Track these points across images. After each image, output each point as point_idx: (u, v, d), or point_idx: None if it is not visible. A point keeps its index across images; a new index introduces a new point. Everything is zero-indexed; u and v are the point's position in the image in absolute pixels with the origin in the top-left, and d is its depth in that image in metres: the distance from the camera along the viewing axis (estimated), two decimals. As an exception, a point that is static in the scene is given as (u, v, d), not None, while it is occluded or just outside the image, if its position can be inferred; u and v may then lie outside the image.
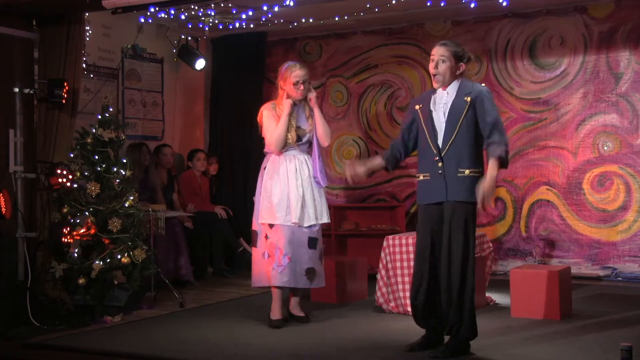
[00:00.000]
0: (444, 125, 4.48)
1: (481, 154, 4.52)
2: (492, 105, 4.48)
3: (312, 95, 5.50)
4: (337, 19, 7.65)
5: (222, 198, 8.13)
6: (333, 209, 7.86)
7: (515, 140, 7.72)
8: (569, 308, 5.59)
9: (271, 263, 5.35)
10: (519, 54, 7.73)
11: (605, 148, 7.35)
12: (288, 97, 5.46)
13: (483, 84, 4.78)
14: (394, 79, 8.31)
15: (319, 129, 5.49)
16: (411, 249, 5.69)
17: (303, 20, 7.70)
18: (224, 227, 7.66)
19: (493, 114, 4.44)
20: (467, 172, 4.42)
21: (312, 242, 5.42)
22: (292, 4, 6.69)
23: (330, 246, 7.84)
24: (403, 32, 8.23)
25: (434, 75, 4.55)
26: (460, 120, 4.43)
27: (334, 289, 6.24)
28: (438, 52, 4.57)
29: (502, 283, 6.47)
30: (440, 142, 4.48)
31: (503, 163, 4.38)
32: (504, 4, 6.97)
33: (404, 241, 5.75)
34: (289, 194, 5.37)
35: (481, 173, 4.46)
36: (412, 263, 5.66)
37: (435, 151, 4.48)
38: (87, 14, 6.43)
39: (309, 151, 5.55)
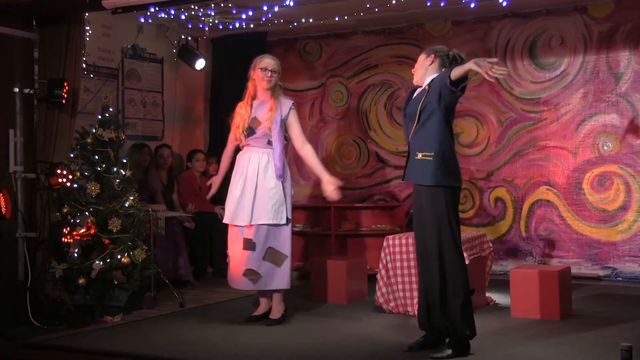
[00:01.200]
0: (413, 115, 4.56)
1: (440, 139, 4.43)
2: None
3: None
4: (337, 19, 7.65)
5: (222, 198, 8.11)
6: (333, 209, 7.88)
7: (515, 140, 7.73)
8: (569, 308, 5.59)
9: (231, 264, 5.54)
10: (519, 54, 7.73)
11: (605, 148, 7.35)
12: (255, 87, 5.49)
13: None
14: (394, 79, 8.31)
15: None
16: (411, 249, 5.70)
17: (303, 20, 7.70)
18: (224, 227, 7.65)
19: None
20: (420, 155, 4.45)
21: (247, 244, 5.38)
22: (292, 4, 6.69)
23: (330, 246, 7.85)
24: (403, 32, 8.24)
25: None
26: (419, 107, 4.50)
27: (334, 289, 6.24)
28: (420, 58, 4.81)
29: (502, 283, 6.47)
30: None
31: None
32: (504, 4, 6.97)
33: (404, 241, 5.76)
34: (242, 194, 5.41)
35: (434, 157, 4.38)
36: (412, 263, 5.69)
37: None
38: (87, 14, 6.43)
39: (270, 147, 5.44)
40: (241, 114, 5.51)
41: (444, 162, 4.39)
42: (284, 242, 5.43)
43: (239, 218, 5.40)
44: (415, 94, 4.70)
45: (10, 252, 5.67)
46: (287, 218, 5.41)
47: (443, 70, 4.59)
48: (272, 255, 5.41)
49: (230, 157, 5.71)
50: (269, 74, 5.44)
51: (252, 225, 5.37)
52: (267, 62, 5.47)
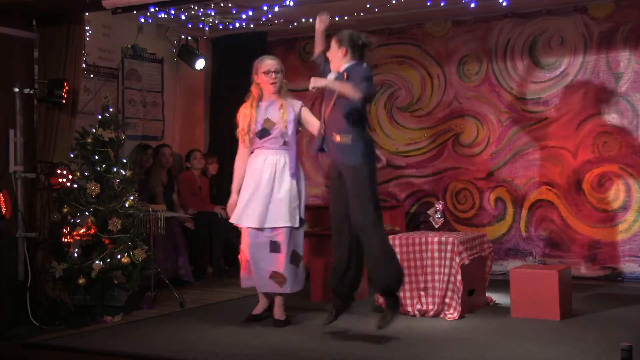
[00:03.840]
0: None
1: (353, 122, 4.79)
2: (361, 70, 4.78)
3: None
4: (337, 19, 7.65)
5: (222, 198, 8.11)
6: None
7: (515, 140, 7.73)
8: (569, 308, 5.59)
9: (244, 265, 5.47)
10: (519, 54, 7.73)
11: (605, 148, 7.35)
12: (261, 90, 5.41)
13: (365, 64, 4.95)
14: (394, 79, 8.31)
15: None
16: (411, 249, 5.70)
17: (303, 20, 7.70)
18: (224, 227, 7.65)
19: (363, 74, 4.74)
20: (338, 138, 4.80)
21: (273, 246, 5.34)
22: (292, 4, 6.69)
23: (330, 246, 7.83)
24: (403, 32, 8.24)
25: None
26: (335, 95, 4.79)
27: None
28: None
29: (502, 283, 6.47)
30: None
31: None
32: (504, 4, 6.97)
33: (404, 241, 5.75)
34: (252, 196, 5.33)
35: (351, 139, 4.75)
36: (412, 263, 5.69)
37: None
38: (87, 14, 6.43)
39: (285, 148, 5.41)
40: (245, 115, 5.42)
41: (361, 145, 4.77)
42: (300, 243, 5.44)
43: (249, 219, 5.33)
44: (332, 76, 4.94)
45: (10, 252, 5.67)
46: (300, 219, 5.42)
47: (355, 60, 4.85)
48: (295, 258, 5.40)
49: (245, 163, 5.49)
50: (273, 75, 5.38)
51: (276, 228, 5.31)
52: (269, 63, 5.40)
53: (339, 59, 4.88)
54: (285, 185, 5.35)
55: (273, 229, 5.33)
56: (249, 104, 5.47)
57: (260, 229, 5.33)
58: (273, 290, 5.40)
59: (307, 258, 7.91)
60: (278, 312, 5.44)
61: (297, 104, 5.52)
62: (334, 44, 4.88)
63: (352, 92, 4.60)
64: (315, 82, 4.73)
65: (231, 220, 5.48)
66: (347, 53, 4.84)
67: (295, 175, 5.38)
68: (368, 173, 4.78)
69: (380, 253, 4.77)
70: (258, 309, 5.56)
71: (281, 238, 5.34)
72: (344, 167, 4.82)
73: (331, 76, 4.91)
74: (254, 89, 5.47)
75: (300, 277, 5.47)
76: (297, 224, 5.38)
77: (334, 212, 4.95)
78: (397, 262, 4.95)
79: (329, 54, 4.96)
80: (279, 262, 5.33)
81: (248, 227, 5.38)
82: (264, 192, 5.32)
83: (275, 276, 5.34)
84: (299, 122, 5.50)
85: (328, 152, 4.94)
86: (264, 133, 5.39)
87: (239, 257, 5.59)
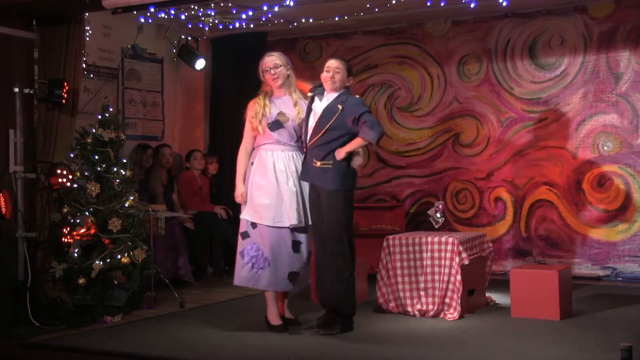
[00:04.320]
0: (313, 125, 5.15)
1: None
2: (360, 105, 5.10)
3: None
4: (337, 19, 7.65)
5: (222, 198, 8.13)
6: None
7: (515, 140, 7.73)
8: (569, 308, 5.59)
9: (248, 264, 5.21)
10: (519, 54, 7.73)
11: (605, 148, 7.35)
12: (267, 86, 5.34)
13: (357, 96, 5.32)
14: (394, 79, 8.31)
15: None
16: (411, 249, 5.70)
17: (303, 20, 7.70)
18: (224, 227, 7.66)
19: (363, 109, 5.06)
20: (319, 164, 5.07)
21: (295, 246, 5.22)
22: (292, 4, 6.69)
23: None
24: (403, 32, 8.23)
25: (330, 81, 5.19)
26: (329, 125, 5.06)
27: (334, 289, 6.24)
28: (334, 65, 5.21)
29: (502, 283, 6.47)
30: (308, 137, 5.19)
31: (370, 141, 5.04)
32: (504, 4, 6.97)
33: (404, 241, 5.75)
34: (279, 194, 5.16)
35: (332, 165, 5.03)
36: (412, 263, 5.69)
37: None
38: (87, 14, 6.43)
39: (299, 147, 5.32)
40: (259, 104, 5.29)
41: (341, 171, 5.04)
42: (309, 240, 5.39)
43: (286, 217, 5.14)
44: (322, 104, 5.19)
45: (10, 252, 5.67)
46: None
47: (351, 97, 5.18)
48: (309, 256, 5.36)
49: (249, 156, 5.35)
50: (272, 72, 5.31)
51: (302, 226, 5.20)
52: (266, 61, 5.34)
53: (342, 84, 5.20)
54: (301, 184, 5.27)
55: (297, 228, 5.19)
56: (261, 97, 5.35)
57: (280, 227, 5.16)
58: (286, 288, 5.29)
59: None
60: (289, 312, 5.44)
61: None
62: (345, 71, 5.20)
63: (370, 138, 4.98)
64: (340, 155, 5.04)
65: (266, 223, 5.16)
66: (347, 82, 5.23)
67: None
68: (344, 200, 5.04)
69: (331, 284, 5.08)
70: (279, 319, 5.29)
71: (303, 237, 5.27)
72: (322, 190, 5.09)
73: (322, 103, 5.18)
74: (265, 86, 5.40)
75: (310, 270, 5.45)
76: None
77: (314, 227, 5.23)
78: (352, 296, 5.15)
79: (338, 77, 5.18)
80: (299, 262, 5.25)
81: (270, 226, 5.17)
82: (292, 189, 5.18)
83: (292, 276, 5.24)
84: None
85: (305, 177, 5.19)
86: (276, 125, 5.23)
87: (242, 254, 5.33)
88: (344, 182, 5.06)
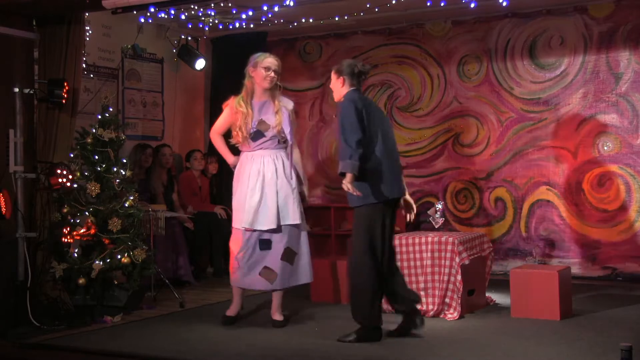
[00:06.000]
0: None
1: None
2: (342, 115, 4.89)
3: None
4: (337, 19, 7.65)
5: (222, 198, 8.13)
6: (333, 209, 7.89)
7: (516, 140, 7.73)
8: (569, 308, 5.59)
9: (231, 263, 5.45)
10: (519, 54, 7.73)
11: (605, 148, 7.35)
12: (254, 88, 5.37)
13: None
14: (394, 79, 8.31)
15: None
16: (411, 249, 5.70)
17: (303, 20, 7.70)
18: (224, 227, 7.65)
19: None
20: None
21: (263, 244, 5.31)
22: (292, 4, 6.69)
23: (330, 246, 7.85)
24: (403, 32, 8.24)
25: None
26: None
27: (334, 289, 6.24)
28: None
29: (502, 283, 6.47)
30: None
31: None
32: (504, 4, 6.97)
33: (404, 241, 5.75)
34: (245, 197, 5.30)
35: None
36: (412, 263, 5.69)
37: None
38: (87, 14, 6.43)
39: (284, 147, 5.41)
40: (243, 114, 5.35)
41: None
42: (296, 240, 5.39)
43: (263, 222, 5.27)
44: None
45: (10, 252, 5.66)
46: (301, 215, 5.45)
47: (353, 87, 4.98)
48: (289, 255, 5.36)
49: (223, 139, 5.54)
50: (272, 74, 5.34)
51: (274, 227, 5.28)
52: (270, 61, 5.36)
53: (338, 90, 5.04)
54: (292, 183, 5.36)
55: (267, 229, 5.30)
56: (243, 100, 5.40)
57: (251, 230, 5.31)
58: (265, 287, 5.39)
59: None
60: (276, 313, 5.43)
61: (290, 104, 5.53)
62: (333, 75, 5.04)
63: (345, 168, 4.72)
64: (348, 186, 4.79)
65: (244, 226, 5.31)
66: (345, 82, 4.99)
67: (291, 175, 5.41)
68: (364, 215, 4.88)
69: (351, 292, 4.95)
70: (233, 310, 5.50)
71: (272, 235, 5.32)
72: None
73: None
74: (248, 83, 5.43)
75: (303, 270, 5.41)
76: (300, 221, 5.38)
77: None
78: (366, 307, 4.85)
79: (330, 86, 5.11)
80: (273, 259, 5.32)
81: (240, 228, 5.34)
82: (272, 193, 5.29)
83: (264, 273, 5.32)
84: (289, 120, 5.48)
85: None
86: (257, 135, 5.35)
87: (233, 257, 5.48)
88: (363, 199, 4.84)
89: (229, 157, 5.56)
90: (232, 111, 5.42)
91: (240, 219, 5.35)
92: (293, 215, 5.32)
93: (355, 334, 4.84)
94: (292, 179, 5.39)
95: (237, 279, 5.42)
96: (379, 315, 4.88)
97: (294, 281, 5.43)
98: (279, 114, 5.36)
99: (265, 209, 5.27)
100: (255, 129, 5.34)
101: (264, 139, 5.34)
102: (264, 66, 5.34)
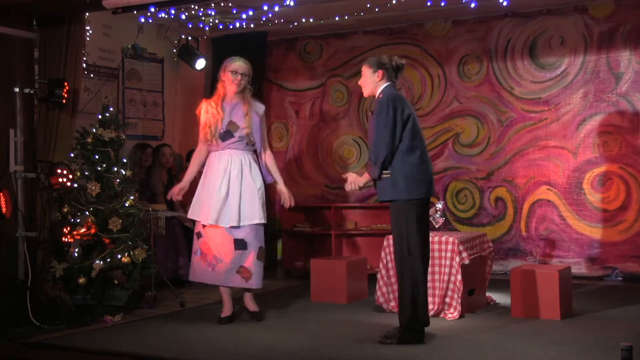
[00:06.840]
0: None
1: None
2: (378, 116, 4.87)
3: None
4: (337, 19, 7.65)
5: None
6: (333, 209, 7.88)
7: (516, 140, 7.73)
8: (569, 308, 5.59)
9: (204, 261, 5.48)
10: (519, 54, 7.73)
11: (606, 148, 7.35)
12: (225, 89, 5.46)
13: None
14: (394, 79, 8.30)
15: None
16: (411, 248, 5.69)
17: (303, 20, 7.70)
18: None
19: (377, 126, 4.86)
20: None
21: (238, 244, 5.40)
22: (292, 4, 6.69)
23: (330, 246, 7.84)
24: (403, 32, 8.24)
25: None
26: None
27: (334, 288, 6.24)
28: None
29: (502, 283, 6.47)
30: None
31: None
32: (504, 4, 6.97)
33: (404, 241, 5.75)
34: (212, 194, 5.39)
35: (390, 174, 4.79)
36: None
37: None
38: (87, 14, 6.44)
39: (252, 149, 5.53)
40: (213, 114, 5.47)
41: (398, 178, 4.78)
42: (263, 239, 5.55)
43: (226, 219, 5.39)
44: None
45: (10, 252, 5.66)
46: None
47: (390, 81, 4.98)
48: (261, 254, 5.50)
49: (202, 160, 5.59)
50: (239, 77, 5.45)
51: (242, 225, 5.40)
52: (238, 65, 5.47)
53: (374, 84, 4.95)
54: (257, 183, 5.47)
55: (239, 227, 5.40)
56: (214, 101, 5.52)
57: (222, 227, 5.40)
58: (240, 285, 5.49)
59: (302, 258, 7.96)
60: (253, 305, 5.56)
61: (262, 108, 5.63)
62: (367, 70, 4.95)
63: (372, 174, 4.81)
64: (352, 186, 4.91)
65: (209, 222, 5.40)
66: (383, 75, 4.94)
67: (261, 175, 5.52)
68: (402, 208, 4.75)
69: (401, 290, 4.80)
70: (227, 311, 5.56)
71: (249, 235, 5.42)
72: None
73: None
74: (219, 86, 5.55)
75: (262, 271, 5.54)
76: (265, 220, 5.50)
77: None
78: (415, 306, 4.73)
79: (361, 82, 5.02)
80: (245, 259, 5.42)
81: (213, 225, 5.42)
82: (236, 191, 5.40)
83: (242, 271, 5.42)
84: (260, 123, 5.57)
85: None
86: (227, 135, 5.46)
87: (196, 252, 5.56)
88: (401, 192, 4.78)
89: (186, 177, 5.64)
90: (206, 113, 5.54)
91: (206, 213, 5.41)
92: (259, 214, 5.43)
93: (398, 336, 4.73)
94: (258, 179, 5.49)
95: (203, 272, 5.55)
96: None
97: (261, 282, 5.55)
98: (248, 116, 5.47)
99: (228, 206, 5.40)
100: (225, 129, 5.45)
101: (232, 140, 5.46)
102: (231, 70, 5.47)
